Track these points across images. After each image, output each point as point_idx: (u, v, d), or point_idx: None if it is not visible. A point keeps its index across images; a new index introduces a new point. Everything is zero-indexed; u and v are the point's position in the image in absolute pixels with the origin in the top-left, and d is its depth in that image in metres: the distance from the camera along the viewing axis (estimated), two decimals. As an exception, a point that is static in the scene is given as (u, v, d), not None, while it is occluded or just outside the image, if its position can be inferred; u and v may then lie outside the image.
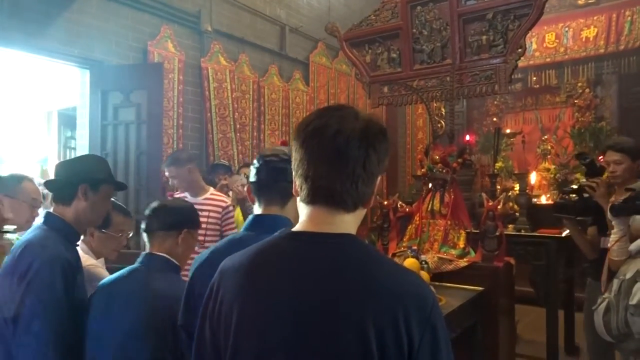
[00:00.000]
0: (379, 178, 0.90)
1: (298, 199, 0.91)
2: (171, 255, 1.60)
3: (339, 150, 0.82)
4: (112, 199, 1.82)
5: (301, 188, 0.87)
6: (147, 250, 1.62)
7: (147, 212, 1.65)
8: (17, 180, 2.18)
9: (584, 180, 2.74)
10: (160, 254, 1.59)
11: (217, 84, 4.78)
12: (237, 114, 4.95)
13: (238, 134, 4.93)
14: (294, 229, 0.89)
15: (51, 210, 1.62)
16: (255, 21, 5.38)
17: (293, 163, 0.88)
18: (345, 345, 0.76)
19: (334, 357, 0.77)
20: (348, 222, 0.87)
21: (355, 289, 0.79)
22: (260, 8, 5.41)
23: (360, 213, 0.90)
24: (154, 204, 1.68)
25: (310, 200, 0.87)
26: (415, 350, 0.77)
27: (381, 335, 0.75)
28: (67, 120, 5.65)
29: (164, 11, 4.38)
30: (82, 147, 4.06)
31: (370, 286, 0.79)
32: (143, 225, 1.64)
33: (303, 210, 0.89)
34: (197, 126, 4.70)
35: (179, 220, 1.64)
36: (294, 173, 0.88)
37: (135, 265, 1.59)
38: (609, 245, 2.20)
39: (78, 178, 1.60)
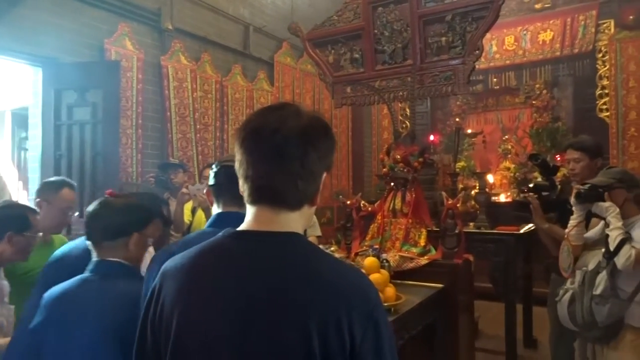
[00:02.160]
0: (324, 175, 0.90)
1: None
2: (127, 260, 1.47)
3: (277, 149, 0.82)
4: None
5: (244, 188, 0.87)
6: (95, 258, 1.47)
7: (85, 218, 1.49)
8: (57, 187, 2.30)
9: (539, 179, 2.82)
10: (113, 259, 1.45)
11: (178, 83, 4.69)
12: (197, 114, 4.86)
13: (198, 135, 4.84)
14: (238, 229, 0.88)
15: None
16: (218, 20, 5.30)
17: (236, 164, 0.87)
18: (288, 343, 0.76)
19: (277, 355, 0.76)
20: (293, 221, 0.87)
21: (298, 287, 0.79)
22: (223, 7, 5.33)
23: (307, 212, 0.90)
24: (92, 207, 1.49)
25: (254, 200, 0.86)
26: (357, 346, 0.77)
27: (323, 332, 0.75)
28: (21, 121, 5.41)
29: (122, 8, 4.26)
30: (34, 147, 3.90)
31: (313, 284, 0.79)
32: (85, 236, 1.50)
33: (249, 210, 0.88)
34: (157, 126, 4.59)
35: (126, 226, 1.47)
36: (238, 174, 0.88)
37: (85, 274, 1.45)
38: (567, 230, 2.32)
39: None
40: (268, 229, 0.85)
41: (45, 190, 2.30)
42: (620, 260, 1.99)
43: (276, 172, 0.83)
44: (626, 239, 2.01)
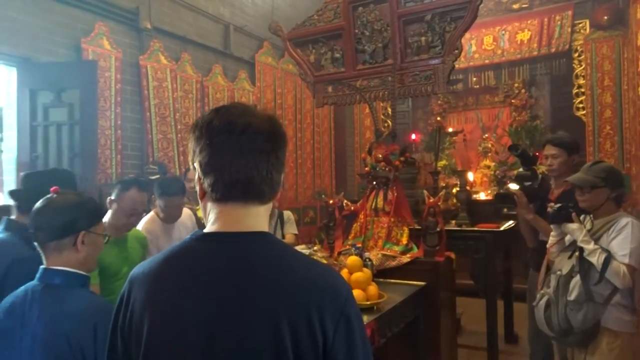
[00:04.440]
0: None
1: (201, 203, 0.90)
2: (73, 266, 1.36)
3: (253, 142, 0.83)
4: None
5: (213, 186, 0.85)
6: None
7: (30, 217, 1.39)
8: (125, 187, 2.31)
9: (521, 169, 2.84)
10: (59, 267, 1.34)
11: (157, 83, 4.63)
12: (178, 114, 4.81)
13: (179, 135, 4.80)
14: (205, 230, 0.88)
15: (13, 217, 1.75)
16: (197, 19, 5.25)
17: (198, 164, 0.86)
18: (259, 344, 0.75)
19: (248, 356, 0.76)
20: (261, 215, 0.88)
21: (267, 287, 0.79)
22: (203, 6, 5.29)
23: (270, 206, 0.91)
24: (37, 205, 1.39)
25: (226, 196, 0.85)
26: (330, 342, 0.77)
27: (295, 331, 0.75)
28: (-5, 122, 5.28)
29: (98, 7, 4.19)
30: (9, 149, 3.81)
31: (282, 283, 0.79)
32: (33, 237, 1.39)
33: (214, 209, 0.87)
34: (137, 127, 4.52)
35: (71, 223, 1.36)
36: (199, 173, 0.87)
37: (32, 282, 1.35)
38: (548, 246, 2.32)
39: (45, 190, 1.51)
40: (236, 230, 0.84)
41: (115, 190, 2.32)
42: (618, 282, 1.96)
43: (254, 163, 0.83)
44: (609, 258, 1.98)
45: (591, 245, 2.02)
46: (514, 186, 2.80)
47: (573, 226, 2.11)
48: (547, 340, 2.70)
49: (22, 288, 1.35)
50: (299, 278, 0.81)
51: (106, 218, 2.17)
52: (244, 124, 0.83)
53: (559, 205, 2.20)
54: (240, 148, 0.83)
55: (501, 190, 3.16)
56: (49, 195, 1.41)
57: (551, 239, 2.29)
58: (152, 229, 2.78)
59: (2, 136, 4.16)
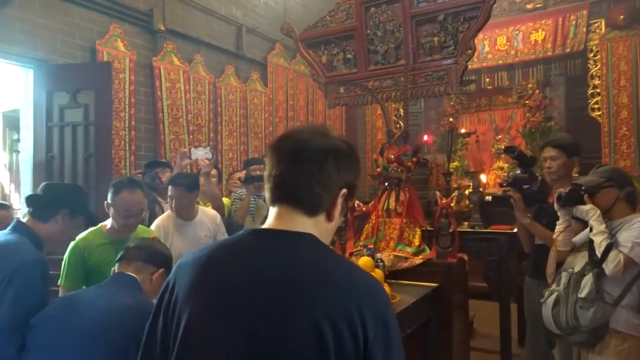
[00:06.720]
0: (342, 192, 0.92)
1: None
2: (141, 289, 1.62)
3: (299, 151, 0.89)
4: None
5: (267, 188, 0.92)
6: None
7: (131, 244, 1.72)
8: (116, 190, 2.31)
9: (518, 172, 2.79)
10: (131, 274, 1.61)
11: (170, 84, 4.67)
12: (190, 115, 4.85)
13: (191, 136, 4.83)
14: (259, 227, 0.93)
15: (24, 220, 1.80)
16: (210, 21, 5.29)
17: (265, 171, 0.93)
18: (300, 341, 0.77)
19: (289, 351, 0.77)
20: (307, 225, 0.90)
21: (308, 285, 0.81)
22: (216, 8, 5.32)
23: (324, 224, 0.92)
24: (139, 241, 1.77)
25: (274, 198, 0.91)
26: (370, 344, 0.78)
27: (336, 329, 0.77)
28: (13, 123, 5.37)
29: (113, 9, 4.24)
30: (26, 149, 3.87)
31: (323, 282, 0.81)
32: (120, 253, 1.68)
33: (270, 210, 0.93)
34: (150, 127, 4.57)
35: (161, 260, 1.70)
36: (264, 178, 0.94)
37: (103, 282, 1.63)
38: (554, 236, 2.24)
39: (62, 202, 1.78)
40: (284, 228, 0.88)
41: (109, 193, 2.30)
42: (609, 267, 1.94)
43: (295, 172, 0.88)
44: (612, 244, 1.96)
45: (602, 227, 1.99)
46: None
47: (586, 207, 2.06)
48: (546, 348, 2.61)
49: (96, 285, 1.65)
50: (339, 278, 0.83)
51: (108, 221, 2.28)
52: (299, 138, 0.90)
53: (569, 187, 2.13)
54: (286, 156, 0.89)
55: (498, 193, 3.07)
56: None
57: (558, 227, 2.20)
58: (164, 225, 2.78)
59: (19, 136, 4.23)
